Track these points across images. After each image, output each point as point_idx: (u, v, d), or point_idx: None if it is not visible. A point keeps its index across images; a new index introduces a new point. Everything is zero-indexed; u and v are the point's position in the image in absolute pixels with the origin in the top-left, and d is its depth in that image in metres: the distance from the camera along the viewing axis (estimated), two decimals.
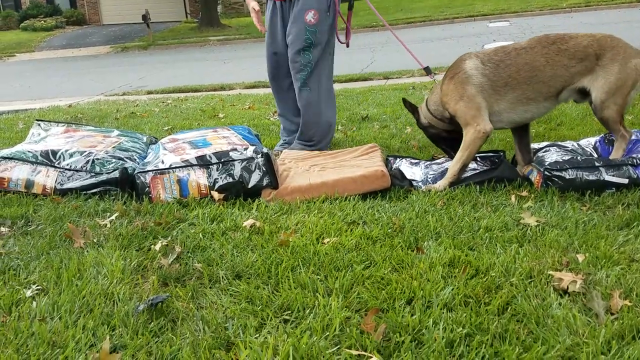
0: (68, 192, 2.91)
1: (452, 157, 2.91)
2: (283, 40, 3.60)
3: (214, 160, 2.85)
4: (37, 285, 1.92)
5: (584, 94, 2.73)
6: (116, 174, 2.92)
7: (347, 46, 3.75)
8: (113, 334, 1.61)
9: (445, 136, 3.02)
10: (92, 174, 2.94)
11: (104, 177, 2.92)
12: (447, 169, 2.86)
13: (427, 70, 3.27)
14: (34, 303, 1.79)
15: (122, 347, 1.55)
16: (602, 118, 2.72)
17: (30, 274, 2.03)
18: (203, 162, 2.84)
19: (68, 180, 2.94)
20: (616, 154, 2.73)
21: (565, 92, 2.74)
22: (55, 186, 2.93)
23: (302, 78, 3.53)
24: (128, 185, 2.92)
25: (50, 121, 3.67)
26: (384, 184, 2.77)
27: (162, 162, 2.92)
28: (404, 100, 3.13)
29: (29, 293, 1.87)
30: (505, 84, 2.71)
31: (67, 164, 2.97)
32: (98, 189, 2.90)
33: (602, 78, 2.65)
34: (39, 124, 3.52)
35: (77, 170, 2.95)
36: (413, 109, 3.11)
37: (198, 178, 2.82)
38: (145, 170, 2.88)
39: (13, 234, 2.46)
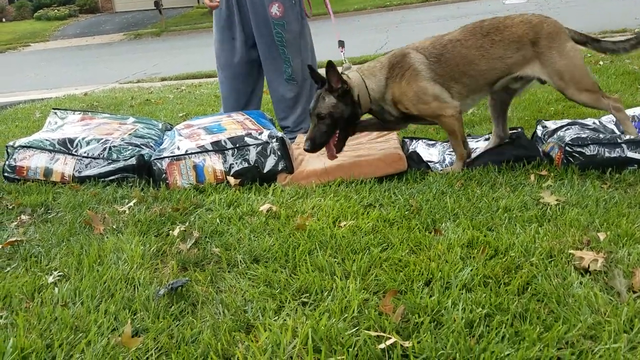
0: (86, 180, 2.94)
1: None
2: (240, 26, 3.44)
3: (229, 145, 2.85)
4: (59, 272, 1.95)
5: (524, 81, 2.73)
6: (133, 160, 2.94)
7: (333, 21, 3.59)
8: (134, 318, 1.63)
9: (349, 120, 2.71)
10: (110, 161, 2.96)
11: (121, 164, 2.94)
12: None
13: (340, 44, 3.14)
14: (56, 289, 1.82)
15: (143, 330, 1.57)
16: (582, 104, 2.76)
17: (51, 261, 2.06)
18: (218, 148, 2.85)
19: (86, 167, 2.97)
20: (627, 127, 2.67)
21: (501, 82, 2.72)
22: (73, 174, 2.96)
23: (287, 73, 3.45)
24: (145, 171, 2.94)
25: (66, 109, 3.70)
26: (401, 167, 2.74)
27: (178, 148, 2.93)
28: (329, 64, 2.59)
29: (50, 279, 1.90)
30: (451, 78, 2.69)
31: (85, 152, 3.00)
32: (115, 176, 2.93)
33: (549, 66, 2.61)
34: (56, 113, 3.54)
35: (94, 158, 2.98)
36: (319, 78, 2.69)
37: (214, 163, 2.83)
38: (162, 156, 2.89)
39: (33, 222, 2.50)
